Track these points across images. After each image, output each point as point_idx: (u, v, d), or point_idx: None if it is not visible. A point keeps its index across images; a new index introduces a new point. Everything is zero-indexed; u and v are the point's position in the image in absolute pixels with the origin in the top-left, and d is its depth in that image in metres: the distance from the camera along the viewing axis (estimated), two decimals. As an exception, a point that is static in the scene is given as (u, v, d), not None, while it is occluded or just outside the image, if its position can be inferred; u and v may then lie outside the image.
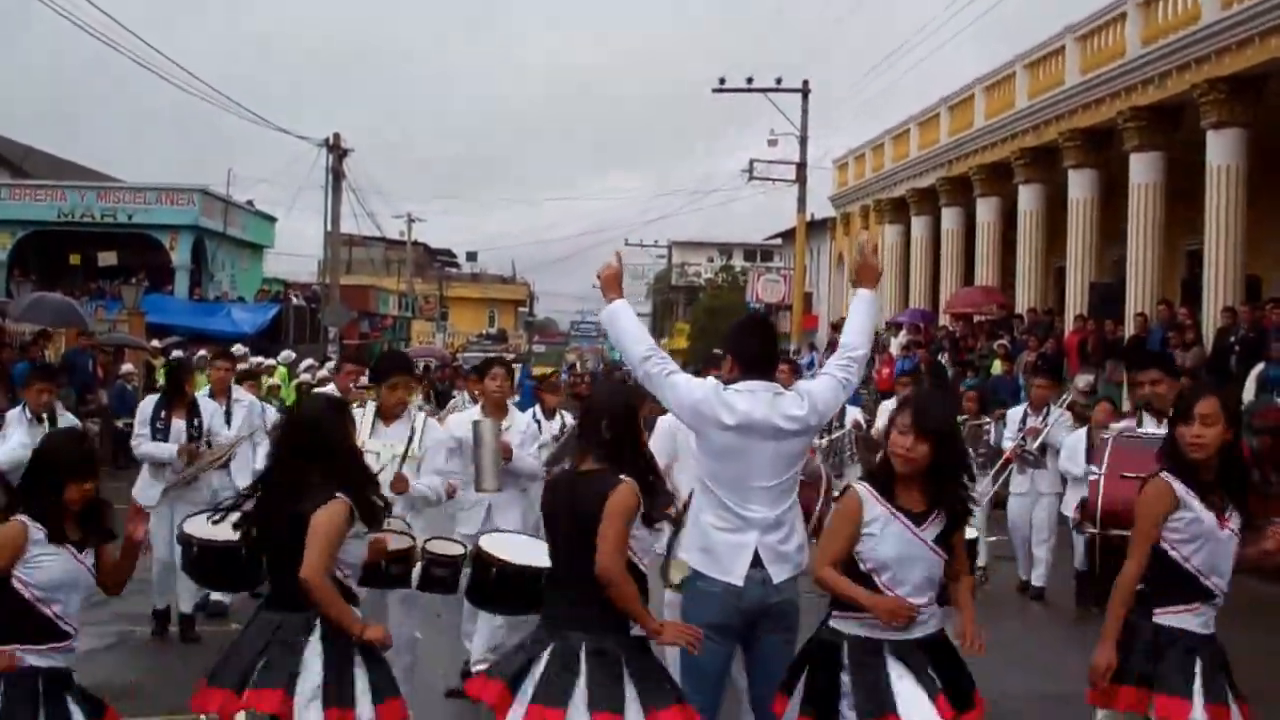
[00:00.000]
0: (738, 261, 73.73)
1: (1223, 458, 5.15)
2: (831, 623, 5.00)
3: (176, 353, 20.78)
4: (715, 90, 38.34)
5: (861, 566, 4.91)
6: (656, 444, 6.84)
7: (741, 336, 5.88)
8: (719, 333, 55.53)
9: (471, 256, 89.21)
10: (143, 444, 9.86)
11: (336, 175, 38.60)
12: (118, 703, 7.74)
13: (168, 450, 9.75)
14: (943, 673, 4.87)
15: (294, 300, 40.85)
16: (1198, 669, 5.05)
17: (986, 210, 29.50)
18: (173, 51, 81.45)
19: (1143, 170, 22.27)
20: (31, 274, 35.13)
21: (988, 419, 13.92)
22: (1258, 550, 5.20)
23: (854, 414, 13.58)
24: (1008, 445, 12.59)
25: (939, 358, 26.18)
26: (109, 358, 24.51)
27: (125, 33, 47.23)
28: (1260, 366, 16.88)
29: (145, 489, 9.85)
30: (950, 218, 31.93)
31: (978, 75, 29.62)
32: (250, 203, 45.30)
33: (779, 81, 38.05)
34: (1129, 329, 21.57)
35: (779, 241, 54.69)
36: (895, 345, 29.77)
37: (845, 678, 4.84)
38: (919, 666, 4.82)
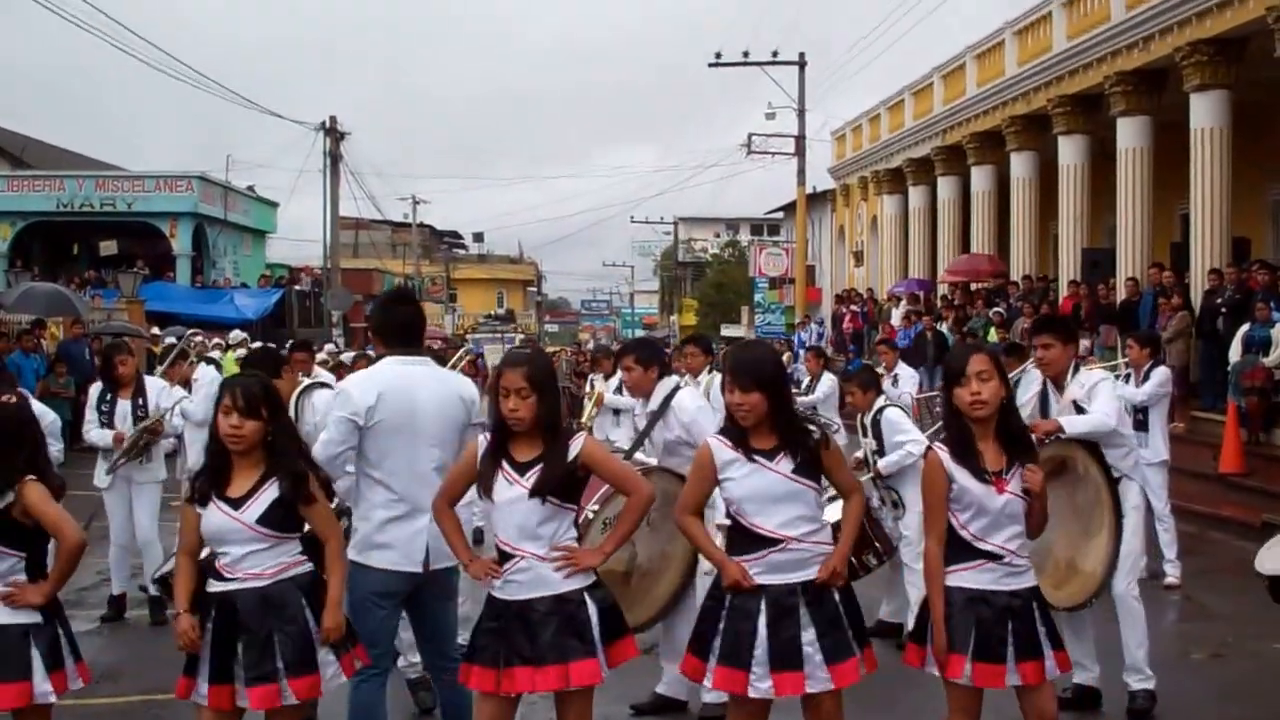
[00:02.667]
0: (744, 236, 73.67)
1: (1001, 414, 5.21)
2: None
3: (171, 339, 20.84)
4: (711, 65, 38.33)
5: (732, 510, 5.16)
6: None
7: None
8: (727, 307, 55.97)
9: (478, 237, 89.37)
10: (90, 430, 9.89)
11: (334, 159, 38.68)
12: (100, 685, 8.01)
13: (104, 437, 9.77)
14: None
15: (300, 284, 40.91)
16: (973, 627, 5.10)
17: (981, 179, 29.46)
18: (170, 36, 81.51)
19: (1130, 135, 22.22)
20: (32, 265, 35.24)
21: (939, 391, 13.85)
22: (1034, 507, 5.21)
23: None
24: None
25: (939, 326, 26.21)
26: (104, 346, 24.52)
27: (117, 23, 47.07)
28: (1246, 327, 16.90)
29: (100, 474, 9.95)
30: (946, 187, 31.91)
31: (969, 43, 29.55)
32: (251, 188, 45.37)
33: (775, 54, 38.03)
34: (1120, 293, 21.54)
35: (781, 215, 54.61)
36: (896, 315, 29.80)
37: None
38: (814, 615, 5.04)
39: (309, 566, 5.24)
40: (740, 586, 5.03)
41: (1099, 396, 7.19)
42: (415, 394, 5.68)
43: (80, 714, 7.51)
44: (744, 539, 5.11)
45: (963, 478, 5.13)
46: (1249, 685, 8.62)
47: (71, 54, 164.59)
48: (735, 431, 5.14)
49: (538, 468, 4.99)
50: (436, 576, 5.67)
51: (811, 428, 5.16)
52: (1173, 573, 11.38)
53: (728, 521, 5.29)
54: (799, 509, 5.08)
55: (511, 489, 4.99)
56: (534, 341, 53.48)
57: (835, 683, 4.97)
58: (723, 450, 5.13)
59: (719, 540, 5.41)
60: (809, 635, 4.97)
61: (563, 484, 5.03)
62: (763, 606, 5.00)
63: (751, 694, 4.98)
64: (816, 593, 5.04)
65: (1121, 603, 7.47)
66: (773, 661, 4.95)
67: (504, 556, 5.02)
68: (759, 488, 5.06)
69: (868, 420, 9.24)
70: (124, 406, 9.87)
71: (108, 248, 36.04)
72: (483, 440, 5.15)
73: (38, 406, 9.28)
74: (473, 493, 5.26)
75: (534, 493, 4.96)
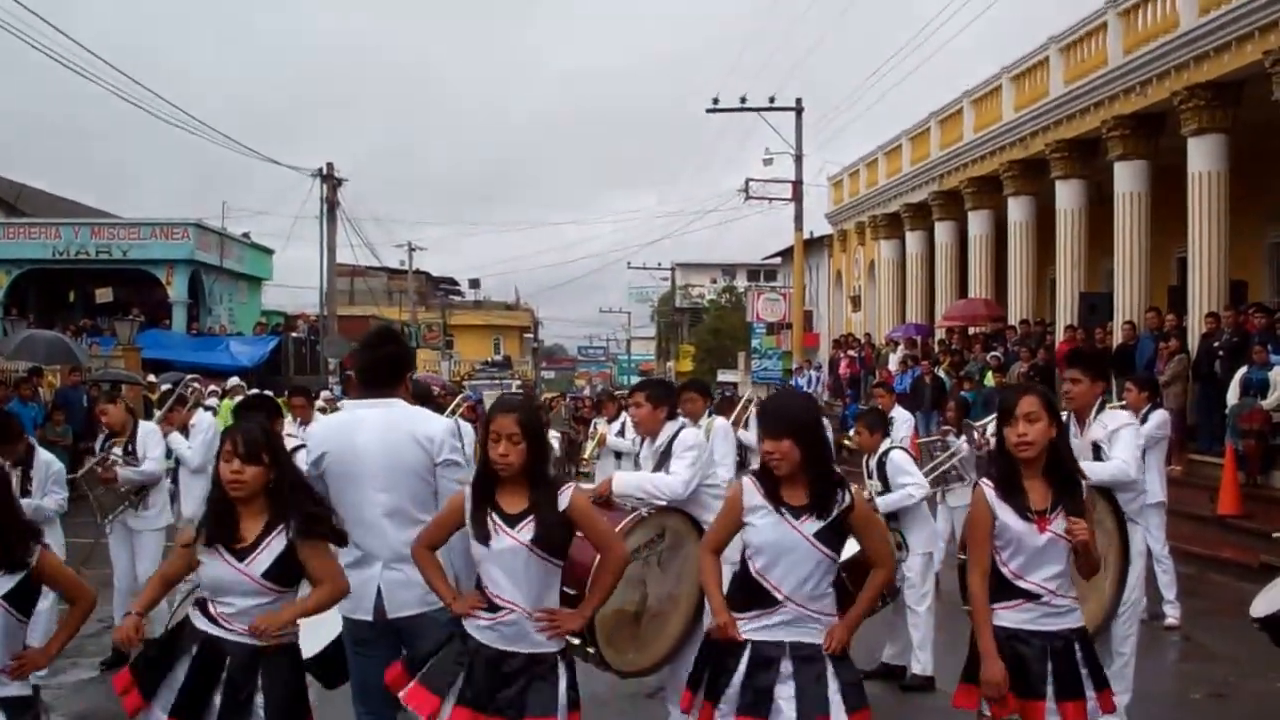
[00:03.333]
0: (741, 281, 73.78)
1: (1050, 455, 5.23)
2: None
3: (167, 385, 20.76)
4: (709, 110, 38.47)
5: (746, 554, 5.08)
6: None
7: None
8: (724, 353, 55.91)
9: (474, 283, 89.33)
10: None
11: (331, 205, 38.73)
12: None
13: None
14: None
15: (296, 332, 40.89)
16: (1011, 663, 5.10)
17: (979, 223, 29.51)
18: (166, 83, 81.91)
19: (1128, 179, 22.27)
20: (28, 313, 35.20)
21: (938, 436, 13.74)
22: (1080, 552, 5.21)
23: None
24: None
25: (936, 370, 26.19)
26: (103, 394, 24.48)
27: (113, 70, 47.15)
28: (1244, 370, 16.93)
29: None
30: (943, 232, 31.95)
31: (966, 88, 29.65)
32: (246, 235, 45.39)
33: (772, 100, 38.16)
34: (1117, 337, 21.53)
35: (779, 260, 54.71)
36: (893, 360, 29.79)
37: None
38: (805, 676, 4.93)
39: (293, 636, 5.15)
40: (725, 635, 5.00)
41: (1120, 443, 7.19)
42: (355, 438, 5.54)
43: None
44: (747, 590, 5.05)
45: (1005, 514, 5.17)
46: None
47: (67, 101, 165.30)
48: (769, 480, 5.08)
49: (529, 519, 4.95)
50: (400, 625, 5.48)
51: (843, 491, 5.06)
52: (1172, 614, 11.37)
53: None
54: (810, 574, 5.00)
55: (503, 540, 4.93)
56: (530, 388, 53.46)
57: None
58: (753, 494, 5.08)
59: None
60: (786, 690, 4.89)
61: (558, 535, 4.99)
62: (746, 653, 4.96)
63: None
64: (806, 652, 4.96)
65: (1118, 648, 7.44)
66: (741, 706, 4.90)
67: (492, 606, 4.96)
68: (777, 541, 4.99)
69: (873, 463, 9.23)
70: (115, 453, 9.86)
71: (103, 295, 35.98)
72: (468, 492, 5.08)
73: (45, 455, 9.19)
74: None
75: (533, 545, 4.91)
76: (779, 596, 4.96)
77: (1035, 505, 5.16)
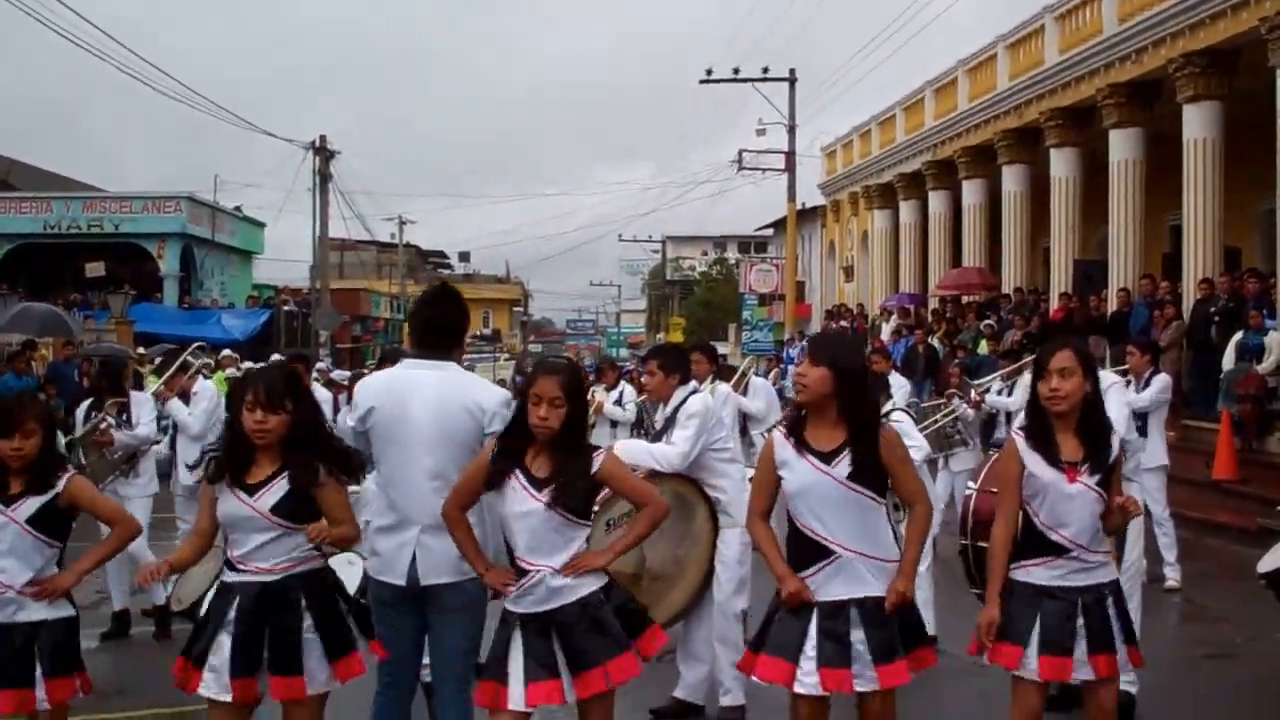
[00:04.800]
0: (732, 254, 73.79)
1: (1084, 410, 5.26)
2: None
3: (159, 358, 20.72)
4: (702, 81, 38.35)
5: (790, 509, 5.13)
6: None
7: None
8: (715, 325, 55.92)
9: (464, 257, 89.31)
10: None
11: (323, 178, 38.65)
12: (111, 699, 8.01)
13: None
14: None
15: (286, 305, 40.83)
16: (1038, 619, 5.14)
17: (973, 192, 29.53)
18: (158, 55, 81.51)
19: (1122, 147, 22.29)
20: (19, 288, 35.10)
21: (943, 400, 13.77)
22: (1113, 517, 5.30)
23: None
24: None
25: (930, 339, 26.22)
26: (95, 367, 24.46)
27: (105, 39, 47.02)
28: (1240, 335, 17.02)
29: None
30: (938, 201, 31.98)
31: (960, 57, 29.63)
32: (238, 209, 45.25)
33: (766, 71, 38.07)
34: (1112, 305, 21.59)
35: (771, 232, 54.70)
36: (886, 330, 29.82)
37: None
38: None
39: (320, 563, 5.21)
40: (797, 601, 5.02)
41: (1107, 403, 7.19)
42: (409, 400, 5.47)
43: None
44: (800, 546, 5.09)
45: (1034, 463, 5.21)
46: (1252, 683, 8.72)
47: (56, 74, 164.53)
48: (796, 425, 5.11)
49: (554, 484, 4.97)
50: (431, 592, 5.44)
51: (874, 432, 5.07)
52: (1173, 576, 11.44)
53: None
54: (855, 518, 5.02)
55: (527, 503, 4.95)
56: (520, 360, 53.47)
57: (882, 683, 4.92)
58: (782, 445, 5.12)
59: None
60: (858, 634, 4.94)
61: (581, 498, 5.02)
62: (814, 612, 4.99)
63: (798, 689, 4.95)
64: (870, 604, 5.00)
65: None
66: (821, 659, 4.93)
67: (519, 571, 4.99)
68: (810, 487, 5.02)
69: None
70: (109, 419, 9.87)
71: (95, 269, 35.85)
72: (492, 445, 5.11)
73: None
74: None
75: (550, 505, 4.93)
76: (830, 545, 4.99)
77: (1066, 457, 5.19)
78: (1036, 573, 5.21)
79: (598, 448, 5.22)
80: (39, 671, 5.23)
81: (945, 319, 27.90)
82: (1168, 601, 11.17)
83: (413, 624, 5.41)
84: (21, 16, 22.25)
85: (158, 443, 10.77)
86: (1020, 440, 5.30)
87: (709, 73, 37.96)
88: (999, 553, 5.27)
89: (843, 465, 4.99)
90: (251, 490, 5.02)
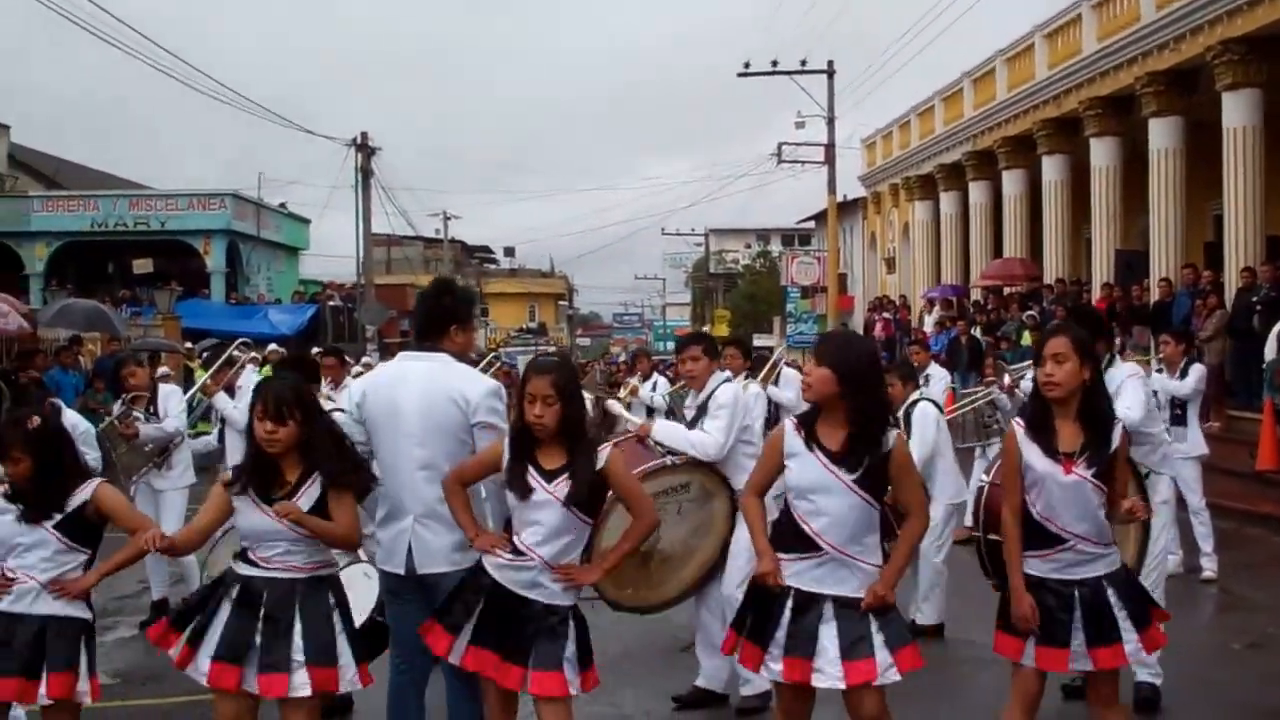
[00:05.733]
0: (775, 246, 73.63)
1: (1084, 398, 5.24)
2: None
3: (205, 353, 20.99)
4: (740, 74, 38.26)
5: (788, 497, 5.15)
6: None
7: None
8: (759, 318, 55.77)
9: (509, 252, 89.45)
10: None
11: (365, 174, 38.90)
12: (143, 686, 8.16)
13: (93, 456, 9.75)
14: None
15: (331, 300, 41.11)
16: (1042, 612, 5.16)
17: (1013, 183, 29.40)
18: (207, 54, 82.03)
19: (1162, 135, 22.15)
20: (68, 284, 35.52)
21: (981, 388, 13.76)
22: (1119, 515, 5.29)
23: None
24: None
25: (973, 331, 26.15)
26: (131, 357, 24.74)
27: (149, 42, 47.54)
28: (1281, 324, 16.77)
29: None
30: (978, 192, 31.85)
31: (998, 47, 29.51)
32: (283, 205, 45.61)
33: (804, 63, 37.95)
34: (1154, 294, 21.46)
35: (813, 224, 54.55)
36: (929, 321, 29.74)
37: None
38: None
39: (333, 571, 5.33)
40: (767, 581, 5.06)
41: (1126, 392, 7.18)
42: (397, 390, 5.56)
43: (124, 714, 7.61)
44: (788, 532, 5.10)
45: (1030, 453, 5.22)
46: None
47: (104, 74, 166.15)
48: (809, 420, 5.14)
49: (565, 476, 5.06)
50: (429, 580, 5.51)
51: (884, 437, 5.08)
52: (1209, 566, 11.36)
53: None
54: (849, 519, 5.02)
55: (540, 494, 5.05)
56: (565, 353, 53.59)
57: (848, 680, 4.90)
58: (793, 437, 5.12)
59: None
60: (829, 630, 4.95)
61: (590, 494, 5.11)
62: (789, 599, 5.02)
63: (764, 674, 5.06)
64: (846, 603, 5.01)
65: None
66: (788, 648, 4.96)
67: (515, 550, 5.09)
68: (814, 483, 5.03)
69: (900, 413, 9.27)
70: (136, 413, 9.99)
71: (142, 266, 36.24)
72: (509, 443, 5.19)
73: (71, 416, 9.35)
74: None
75: (566, 502, 5.03)
76: (819, 541, 5.00)
77: (1064, 447, 5.19)
78: (1033, 564, 5.22)
79: (604, 443, 5.31)
80: (45, 670, 5.30)
81: (987, 310, 27.81)
82: (1204, 592, 11.09)
83: (420, 611, 5.47)
84: (69, 20, 22.57)
85: (202, 435, 10.86)
86: (1019, 430, 5.31)
87: (747, 66, 37.87)
88: (1014, 544, 5.28)
89: (850, 467, 5.00)
90: (275, 504, 5.13)
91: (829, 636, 4.93)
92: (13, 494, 5.44)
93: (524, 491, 5.06)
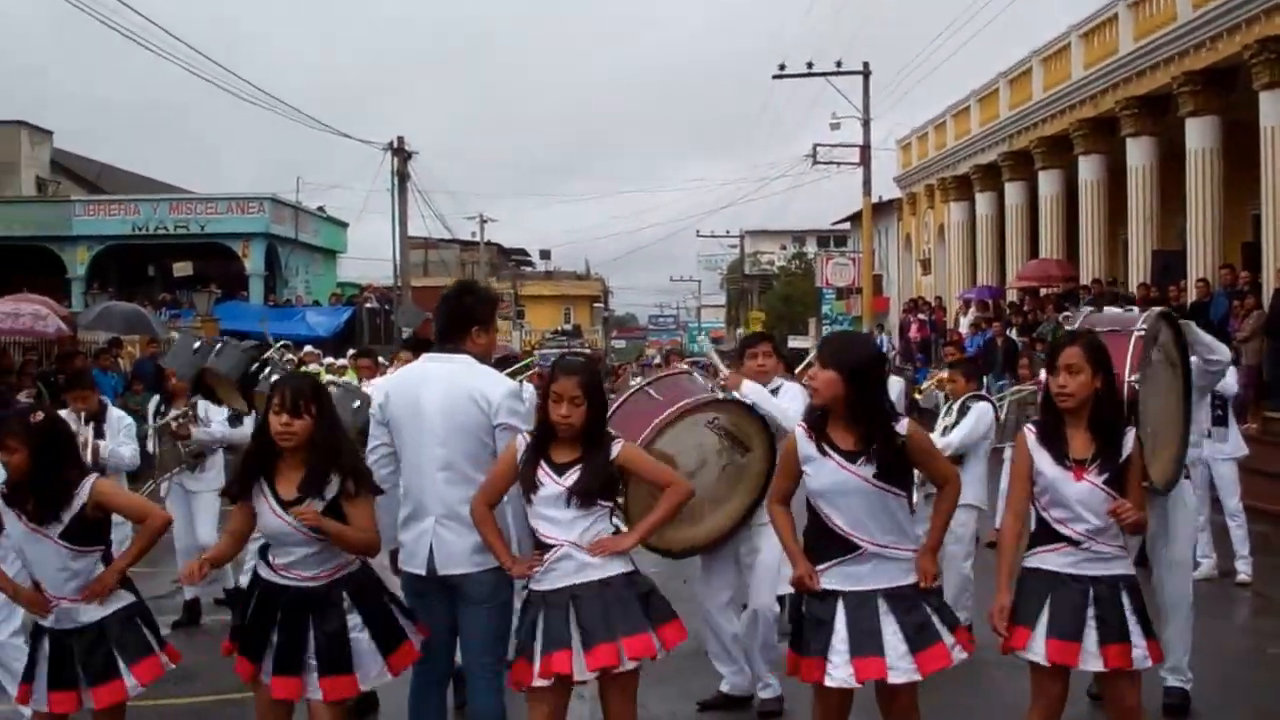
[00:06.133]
0: (810, 247, 73.47)
1: (1095, 406, 5.23)
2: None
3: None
4: (775, 76, 38.27)
5: (814, 503, 5.15)
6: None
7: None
8: (794, 319, 55.71)
9: (545, 254, 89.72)
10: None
11: (402, 178, 39.10)
12: (176, 686, 8.13)
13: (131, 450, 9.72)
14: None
15: (368, 303, 41.29)
16: (1047, 603, 5.16)
17: (1049, 183, 29.29)
18: (243, 57, 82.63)
19: (1199, 135, 22.02)
20: (109, 287, 35.82)
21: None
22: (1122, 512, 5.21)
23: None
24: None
25: (1009, 332, 26.06)
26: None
27: (189, 49, 47.93)
28: (1319, 326, 16.69)
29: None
30: (1014, 193, 31.74)
31: (1034, 47, 29.41)
32: (321, 209, 45.87)
33: (839, 64, 37.91)
34: (1191, 295, 21.35)
35: (848, 225, 54.43)
36: (965, 323, 29.65)
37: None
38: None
39: (359, 564, 5.37)
40: (804, 586, 5.09)
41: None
42: (419, 391, 5.57)
43: (158, 713, 7.67)
44: (823, 539, 5.10)
45: (1041, 460, 5.23)
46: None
47: (144, 80, 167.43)
48: (817, 423, 5.15)
49: (576, 469, 5.11)
50: (452, 581, 5.52)
51: (898, 428, 5.09)
52: (1244, 569, 11.28)
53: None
54: (880, 512, 5.05)
55: (549, 487, 5.09)
56: (600, 356, 53.62)
57: (922, 670, 4.93)
58: (805, 443, 5.14)
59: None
60: (889, 624, 4.96)
61: (600, 487, 5.15)
62: (839, 603, 5.01)
63: (829, 682, 4.97)
64: (896, 593, 5.02)
65: (1177, 605, 7.28)
66: (853, 649, 4.94)
67: (543, 548, 5.13)
68: (835, 485, 5.05)
69: (956, 405, 9.27)
70: (175, 414, 10.09)
71: (182, 269, 36.53)
72: (521, 441, 5.22)
73: (117, 410, 9.63)
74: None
75: (571, 493, 5.08)
76: (854, 540, 5.01)
77: (1075, 454, 5.19)
78: (1049, 559, 5.22)
79: (616, 436, 5.34)
80: (122, 664, 5.37)
81: (1023, 311, 27.70)
82: (1239, 595, 11.02)
83: (443, 611, 5.52)
84: (108, 27, 22.77)
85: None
86: (1030, 436, 5.32)
87: (782, 67, 37.87)
88: (1008, 544, 5.32)
89: (867, 465, 5.02)
90: (289, 506, 5.18)
91: (891, 631, 4.95)
92: (10, 493, 5.46)
93: (532, 485, 5.11)
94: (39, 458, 5.38)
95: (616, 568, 5.13)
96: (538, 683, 5.04)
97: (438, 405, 5.51)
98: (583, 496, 5.09)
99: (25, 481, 5.40)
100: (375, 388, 6.00)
